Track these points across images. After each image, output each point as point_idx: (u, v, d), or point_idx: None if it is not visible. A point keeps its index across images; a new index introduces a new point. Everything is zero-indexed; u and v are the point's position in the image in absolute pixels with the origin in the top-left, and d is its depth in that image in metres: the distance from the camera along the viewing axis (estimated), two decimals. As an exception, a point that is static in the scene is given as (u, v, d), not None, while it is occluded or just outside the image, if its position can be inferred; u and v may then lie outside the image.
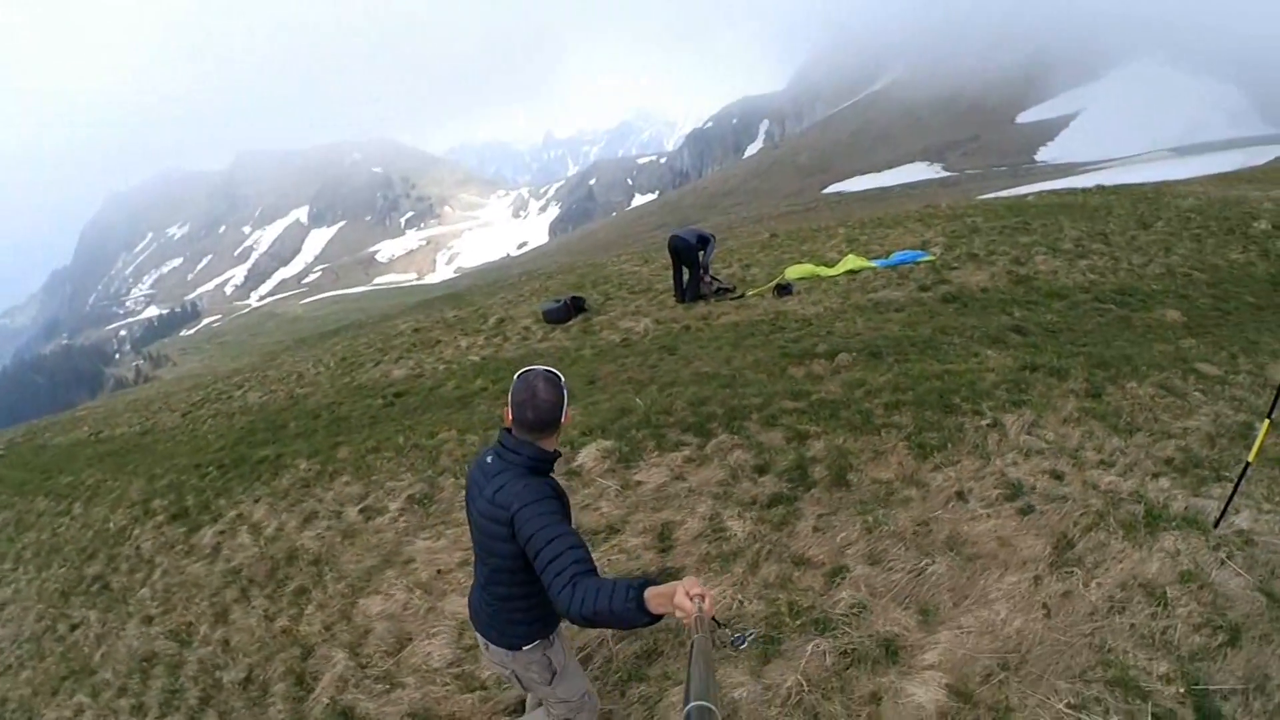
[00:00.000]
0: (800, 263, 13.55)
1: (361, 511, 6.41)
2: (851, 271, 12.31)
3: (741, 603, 3.84)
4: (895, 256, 12.59)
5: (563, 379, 2.62)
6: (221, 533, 7.42)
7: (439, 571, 5.07)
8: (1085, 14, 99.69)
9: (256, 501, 7.73)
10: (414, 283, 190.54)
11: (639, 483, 5.35)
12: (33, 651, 7.43)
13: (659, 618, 2.08)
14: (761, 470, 5.11)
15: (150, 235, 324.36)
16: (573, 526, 2.51)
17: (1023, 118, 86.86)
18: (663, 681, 3.51)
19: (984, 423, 5.28)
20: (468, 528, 5.31)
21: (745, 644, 2.65)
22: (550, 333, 12.53)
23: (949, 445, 5.06)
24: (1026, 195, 24.14)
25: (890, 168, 72.69)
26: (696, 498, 4.93)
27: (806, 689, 3.25)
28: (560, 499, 2.58)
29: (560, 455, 2.75)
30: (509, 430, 2.63)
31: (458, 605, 4.58)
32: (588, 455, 5.82)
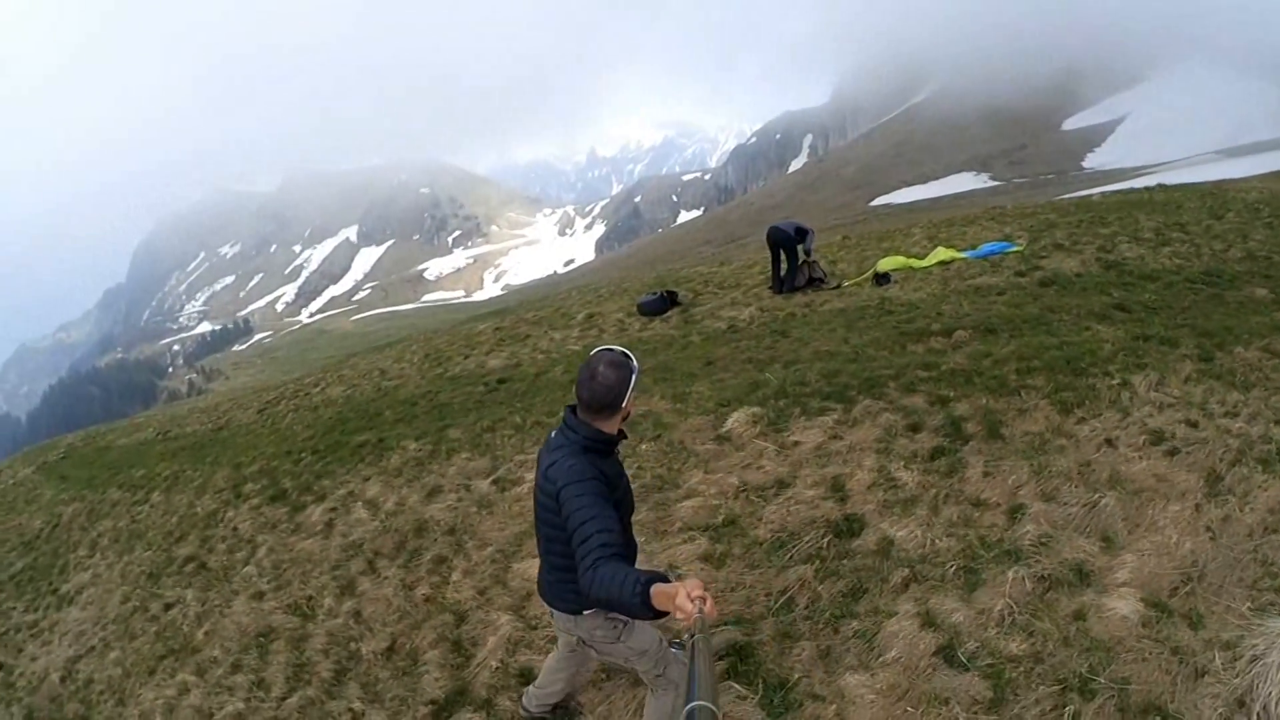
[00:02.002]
0: (894, 254, 13.67)
1: (494, 483, 6.46)
2: (943, 263, 12.43)
3: (932, 541, 4.03)
4: (984, 248, 12.69)
5: (633, 364, 2.68)
6: (333, 510, 7.44)
7: None
8: (1126, 18, 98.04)
9: (366, 480, 7.81)
10: (462, 300, 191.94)
11: (796, 443, 5.49)
12: (120, 632, 7.46)
13: (662, 613, 2.14)
14: (915, 429, 5.28)
15: (202, 254, 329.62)
16: (610, 508, 2.55)
17: (1068, 124, 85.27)
18: (874, 616, 3.63)
19: (1114, 383, 5.53)
20: None
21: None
22: (649, 324, 12.70)
23: (1087, 402, 5.32)
24: (1091, 195, 24.28)
25: (937, 179, 71.62)
26: (858, 453, 5.10)
27: (1016, 610, 3.51)
28: (605, 480, 2.62)
29: (623, 438, 2.79)
30: (574, 409, 2.73)
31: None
32: (736, 421, 5.97)
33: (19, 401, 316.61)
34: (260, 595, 6.40)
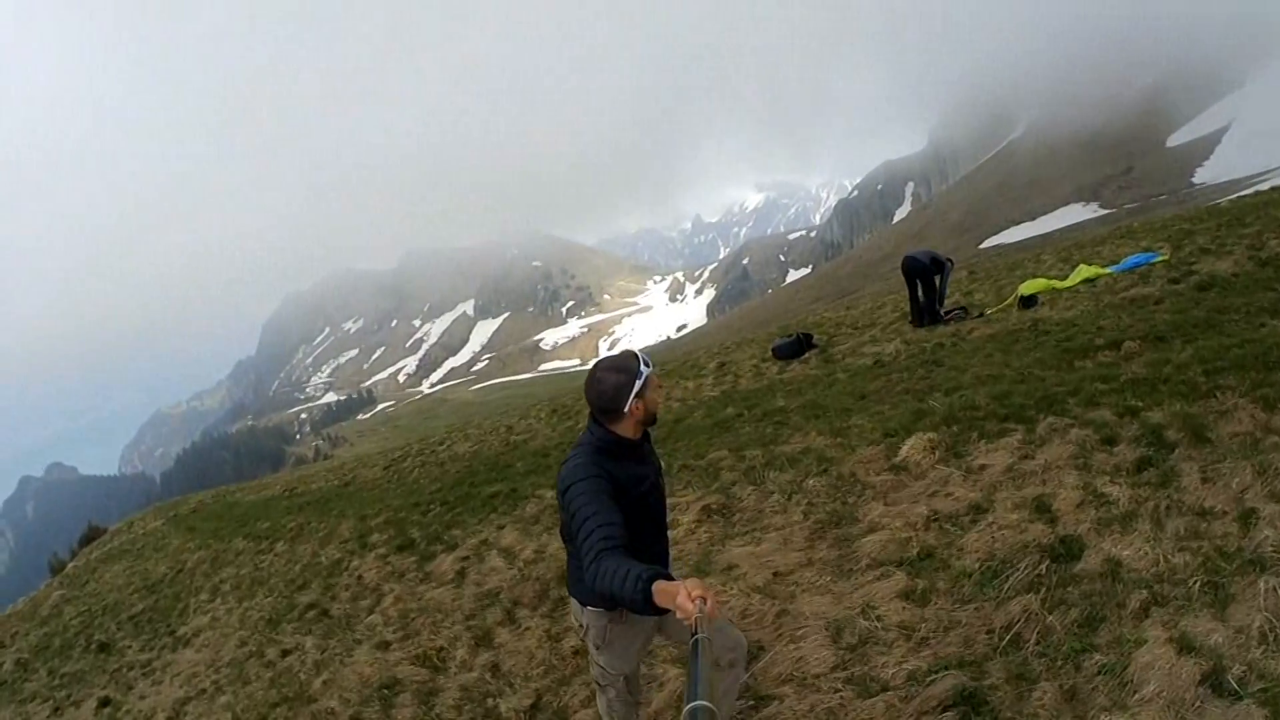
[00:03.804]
0: (1032, 278, 13.32)
1: None
2: (1088, 280, 12.12)
3: (1164, 557, 3.58)
4: (1127, 261, 12.37)
5: (638, 368, 2.67)
6: (464, 559, 7.28)
7: (775, 575, 4.67)
8: (1210, 25, 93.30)
9: (500, 529, 7.68)
10: (578, 368, 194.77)
11: (983, 466, 5.07)
12: (233, 676, 7.38)
13: (663, 610, 2.12)
14: (1110, 441, 4.85)
15: (327, 329, 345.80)
16: (613, 505, 2.54)
17: (1173, 140, 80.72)
18: (1119, 647, 3.16)
19: (1314, 374, 5.04)
20: (793, 530, 5.10)
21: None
22: (787, 367, 12.54)
23: (1291, 396, 4.85)
24: (1219, 202, 23.57)
25: (1046, 213, 69.30)
26: (1056, 472, 4.68)
27: (1277, 625, 3.03)
28: (613, 480, 2.61)
29: (634, 442, 2.76)
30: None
31: (817, 606, 4.15)
32: (911, 450, 5.60)
33: (153, 462, 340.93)
34: (385, 645, 6.18)
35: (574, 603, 2.99)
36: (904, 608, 3.80)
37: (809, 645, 3.75)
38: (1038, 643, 3.30)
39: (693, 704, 1.51)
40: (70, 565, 22.15)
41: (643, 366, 2.67)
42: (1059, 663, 3.16)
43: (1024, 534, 4.04)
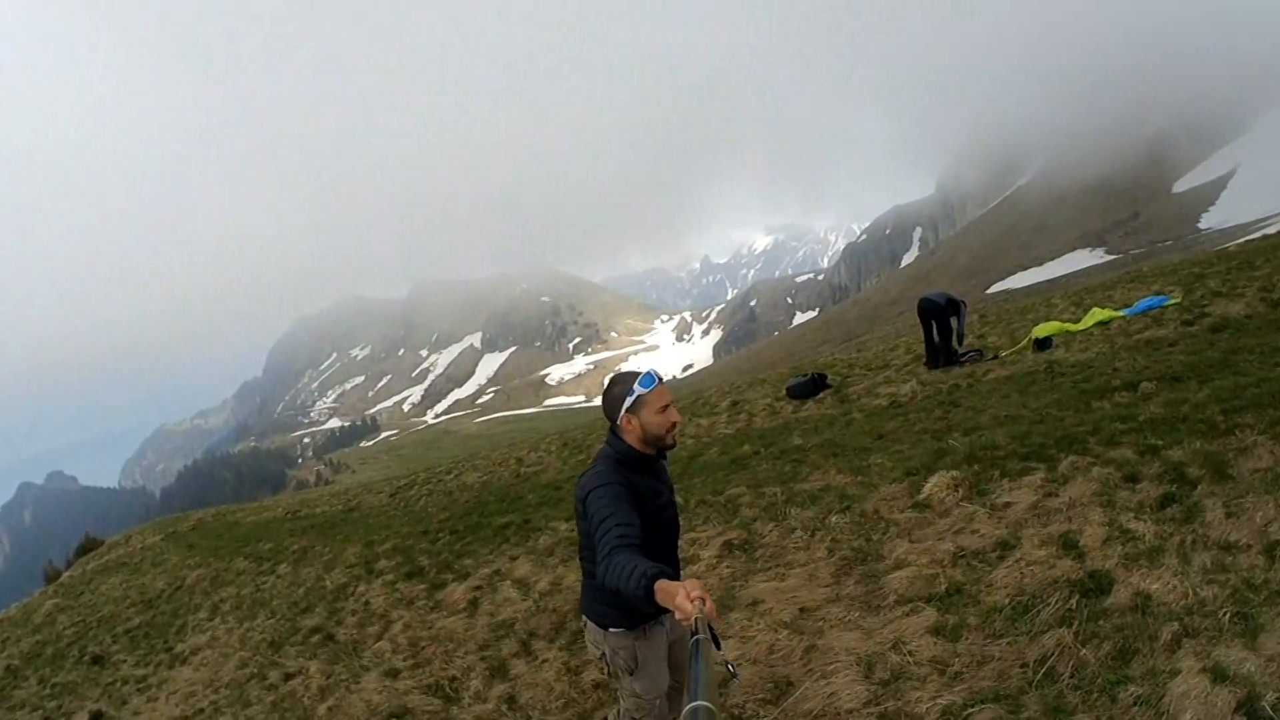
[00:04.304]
0: (1045, 321, 13.44)
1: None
2: (1101, 323, 12.23)
3: (1193, 590, 3.59)
4: (1140, 304, 12.48)
5: (631, 386, 2.78)
6: (477, 588, 7.21)
7: (802, 610, 4.62)
8: (1220, 70, 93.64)
9: (513, 560, 7.63)
10: (583, 404, 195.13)
11: (1007, 504, 5.09)
12: (233, 698, 7.27)
13: (664, 609, 2.17)
14: (1132, 479, 4.89)
15: (334, 355, 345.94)
16: (632, 509, 2.62)
17: (1179, 186, 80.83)
18: (1154, 678, 3.14)
19: (1333, 411, 5.08)
20: (817, 566, 5.08)
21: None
22: (801, 406, 12.54)
23: (1310, 431, 4.88)
24: (1226, 246, 24.02)
25: (1053, 259, 69.11)
26: (1081, 509, 4.70)
27: None
28: (633, 489, 2.70)
29: (648, 457, 2.84)
30: None
31: (847, 641, 4.11)
32: (934, 488, 5.59)
33: (154, 478, 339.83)
34: (395, 673, 6.05)
35: (592, 629, 2.98)
36: (935, 643, 3.77)
37: (840, 680, 3.71)
38: (1072, 676, 3.29)
39: (693, 704, 1.52)
40: (66, 574, 22.06)
41: (637, 385, 2.77)
42: (1094, 695, 3.15)
43: (1053, 569, 4.05)
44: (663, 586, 2.15)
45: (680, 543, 6.22)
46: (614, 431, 2.85)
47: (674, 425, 2.81)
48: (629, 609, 2.80)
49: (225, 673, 8.04)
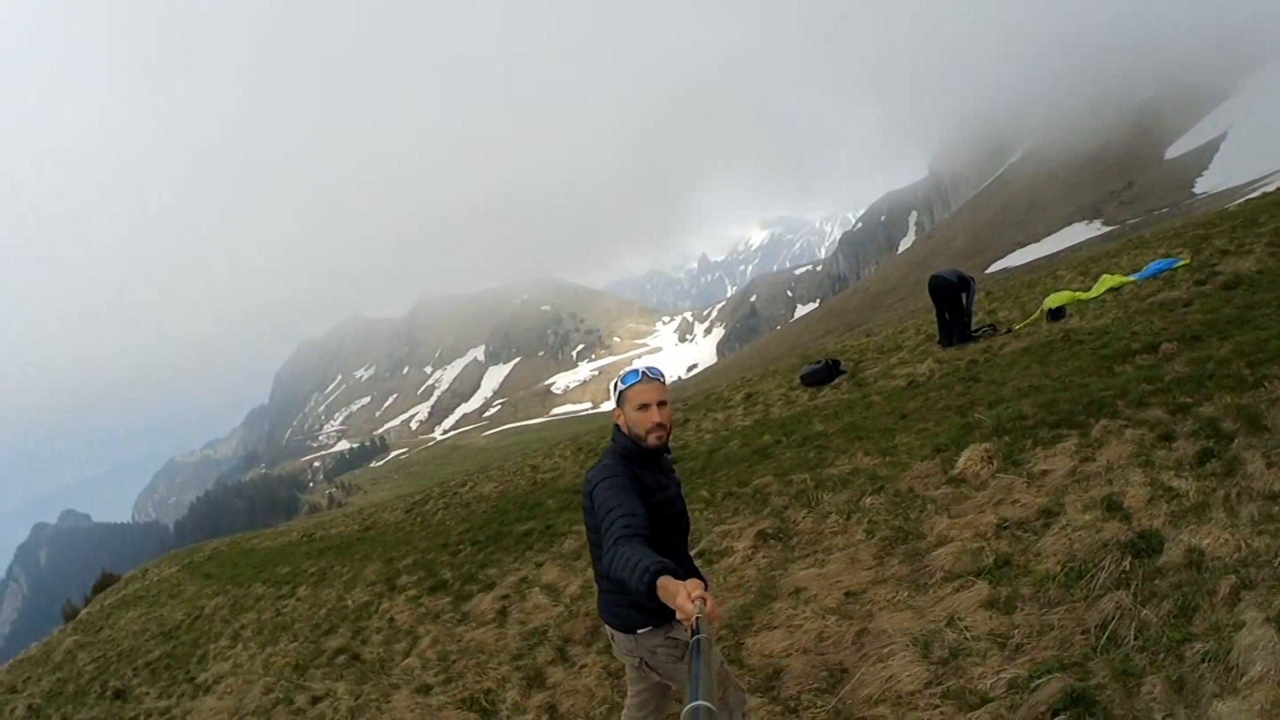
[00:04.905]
0: (1055, 292, 13.38)
1: (698, 556, 5.88)
2: (1113, 289, 12.23)
3: (1244, 542, 3.55)
4: (1150, 268, 12.46)
5: (619, 384, 2.90)
6: (505, 597, 7.11)
7: (847, 594, 4.50)
8: (1203, 33, 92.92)
9: (540, 566, 7.53)
10: (589, 411, 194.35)
11: (1044, 471, 5.05)
12: None
13: (665, 606, 2.14)
14: (1167, 438, 4.86)
15: (340, 377, 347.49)
16: (638, 499, 2.62)
17: (1171, 153, 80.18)
18: (1218, 633, 3.05)
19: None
20: (858, 549, 5.00)
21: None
22: (818, 393, 12.46)
23: (1335, 378, 4.85)
24: (1227, 207, 24.07)
25: (1050, 234, 68.54)
26: (1121, 471, 4.65)
27: None
28: (633, 478, 2.70)
29: (651, 451, 2.81)
30: None
31: (899, 622, 3.98)
32: (968, 461, 5.52)
33: (167, 510, 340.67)
34: (426, 689, 5.89)
35: (619, 638, 2.91)
36: (991, 616, 3.69)
37: (898, 662, 3.59)
38: (1136, 637, 3.23)
39: (693, 704, 1.51)
40: (84, 611, 21.98)
41: (622, 381, 2.89)
42: (1161, 655, 3.09)
43: (1100, 533, 3.99)
44: (665, 584, 2.14)
45: (712, 535, 6.14)
46: (618, 427, 2.90)
47: (656, 426, 2.78)
48: (645, 607, 2.74)
49: (250, 700, 7.85)
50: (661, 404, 2.81)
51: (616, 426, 2.91)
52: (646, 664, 2.88)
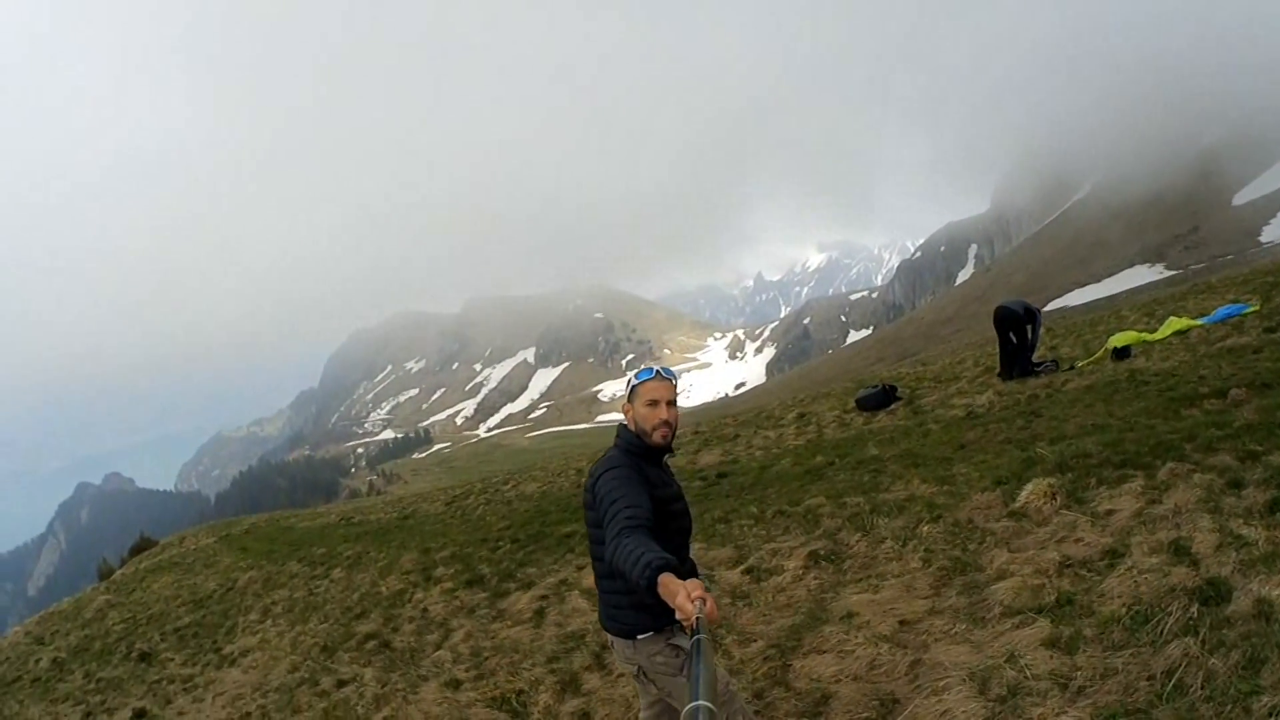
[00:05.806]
0: (1119, 331, 13.25)
1: (746, 573, 5.90)
2: (1179, 332, 12.04)
3: None
4: (1218, 313, 12.30)
5: (634, 378, 2.89)
6: (543, 598, 7.06)
7: (901, 623, 4.38)
8: (1272, 79, 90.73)
9: (580, 570, 7.45)
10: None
11: (1109, 511, 4.93)
12: (282, 703, 7.11)
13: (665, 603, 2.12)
14: (1237, 484, 4.73)
15: (390, 368, 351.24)
16: (643, 491, 2.60)
17: (1239, 199, 78.03)
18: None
19: None
20: (914, 576, 4.90)
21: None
22: (872, 418, 12.36)
23: None
24: None
25: (1110, 275, 67.25)
26: (1188, 515, 4.53)
27: None
28: (638, 470, 2.71)
29: (654, 449, 2.82)
30: None
31: (955, 655, 3.85)
32: (1029, 496, 5.40)
33: (209, 482, 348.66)
34: (456, 684, 5.83)
35: (619, 644, 2.86)
36: (1052, 656, 3.54)
37: (953, 697, 3.46)
38: (1202, 687, 3.09)
39: (693, 704, 1.51)
40: (119, 572, 22.47)
41: (635, 378, 2.89)
42: (1229, 707, 2.95)
43: (1167, 577, 3.86)
44: (666, 582, 2.11)
45: (761, 552, 6.06)
46: (623, 425, 2.93)
47: (663, 423, 2.78)
48: (654, 608, 2.65)
49: (275, 676, 7.95)
50: (671, 403, 2.83)
51: (622, 424, 2.92)
52: (645, 674, 2.84)
